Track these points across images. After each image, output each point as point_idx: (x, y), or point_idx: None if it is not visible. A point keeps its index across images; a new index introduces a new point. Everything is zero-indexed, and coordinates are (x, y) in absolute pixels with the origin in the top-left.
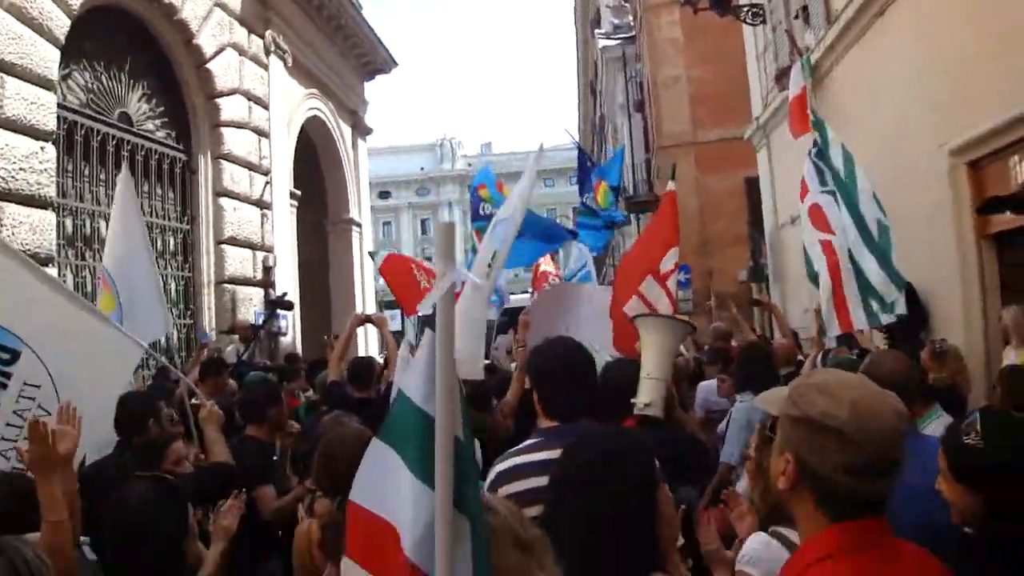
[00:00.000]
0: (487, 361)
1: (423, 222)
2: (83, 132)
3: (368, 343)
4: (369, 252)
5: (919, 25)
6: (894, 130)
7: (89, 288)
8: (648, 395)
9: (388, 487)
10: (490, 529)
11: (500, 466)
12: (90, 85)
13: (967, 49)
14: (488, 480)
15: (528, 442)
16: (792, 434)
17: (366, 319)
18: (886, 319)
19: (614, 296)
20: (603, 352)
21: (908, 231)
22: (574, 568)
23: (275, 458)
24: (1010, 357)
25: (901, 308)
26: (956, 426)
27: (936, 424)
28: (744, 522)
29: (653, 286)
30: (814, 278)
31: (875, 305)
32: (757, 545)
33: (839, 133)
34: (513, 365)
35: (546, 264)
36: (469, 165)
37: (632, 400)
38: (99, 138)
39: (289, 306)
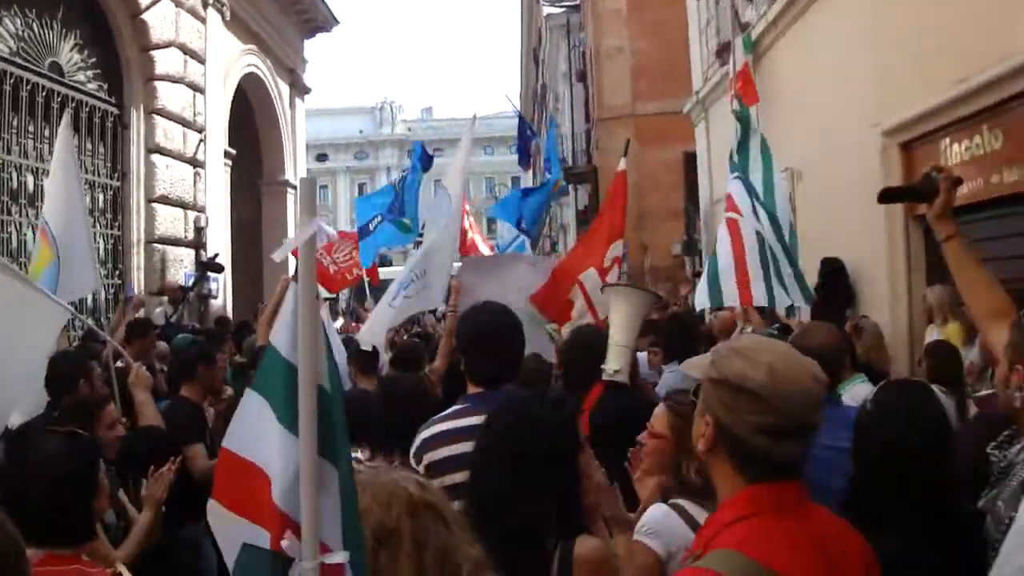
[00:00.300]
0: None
1: (360, 187)
2: (12, 81)
3: None
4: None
5: (859, 5)
6: (831, 108)
7: (15, 243)
8: (617, 362)
9: (260, 435)
10: (396, 495)
11: (425, 432)
12: (20, 33)
13: (903, 31)
14: (414, 446)
15: (454, 408)
16: (711, 396)
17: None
18: (781, 303)
19: (561, 271)
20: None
21: (840, 208)
22: (499, 532)
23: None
24: (933, 334)
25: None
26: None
27: (858, 388)
28: (644, 485)
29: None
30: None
31: (777, 291)
32: (658, 516)
33: (779, 110)
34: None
35: (474, 232)
36: (409, 129)
37: (601, 367)
38: (28, 88)
39: (219, 268)
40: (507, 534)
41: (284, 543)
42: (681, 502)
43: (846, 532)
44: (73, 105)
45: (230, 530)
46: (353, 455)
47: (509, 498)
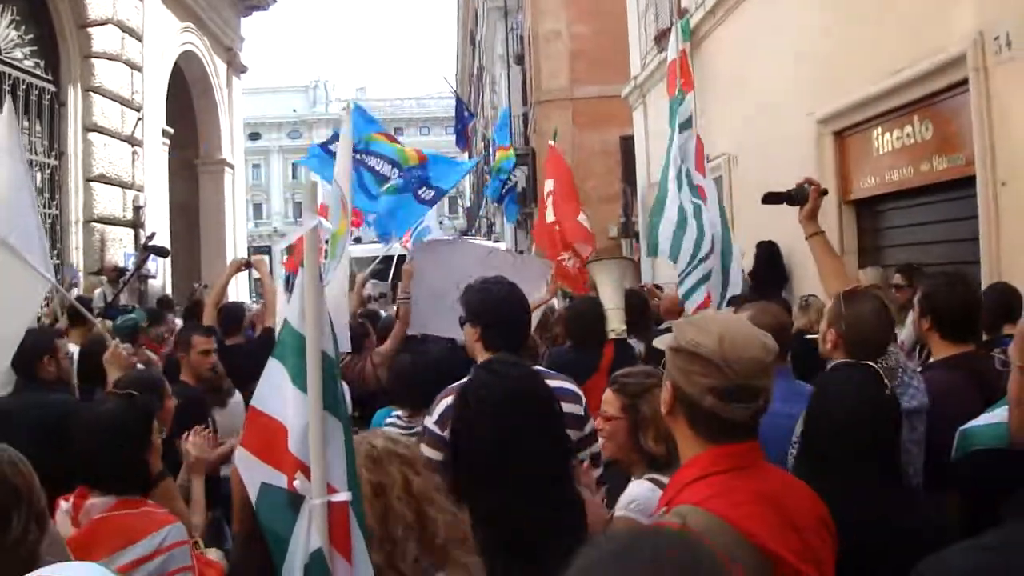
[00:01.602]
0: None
1: (294, 166)
2: None
3: (239, 289)
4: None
5: None
6: (767, 96)
7: None
8: (617, 322)
9: (279, 395)
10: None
11: (447, 399)
12: None
13: (840, 21)
14: (437, 413)
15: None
16: (671, 363)
17: (246, 264)
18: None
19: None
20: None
21: None
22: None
23: None
24: None
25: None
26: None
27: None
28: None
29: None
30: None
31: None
32: (642, 491)
33: (715, 96)
34: (387, 314)
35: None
36: (343, 109)
37: (610, 328)
38: None
39: (165, 252)
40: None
41: (296, 483)
42: (660, 477)
43: (799, 489)
44: (10, 83)
45: (254, 472)
46: (395, 413)
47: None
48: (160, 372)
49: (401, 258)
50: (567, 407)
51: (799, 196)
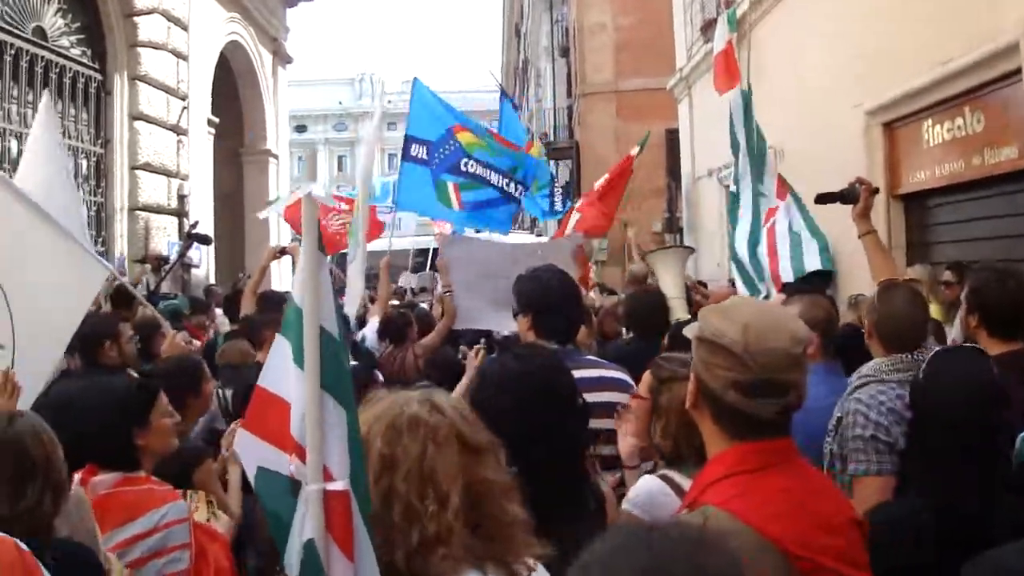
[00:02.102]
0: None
1: (340, 159)
2: None
3: (282, 277)
4: (268, 201)
5: None
6: (815, 88)
7: None
8: (682, 312)
9: (284, 373)
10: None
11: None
12: None
13: (889, 11)
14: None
15: None
16: (695, 354)
17: (281, 251)
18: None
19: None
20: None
21: (822, 186)
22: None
23: None
24: None
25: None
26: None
27: None
28: (626, 441)
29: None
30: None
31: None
32: (649, 487)
33: (761, 88)
34: (433, 307)
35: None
36: (389, 102)
37: (675, 318)
38: (12, 52)
39: (208, 240)
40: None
41: (291, 467)
42: (670, 473)
43: (829, 489)
44: (57, 70)
45: (252, 455)
46: None
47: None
48: (199, 357)
49: (436, 251)
50: (616, 396)
51: (851, 195)
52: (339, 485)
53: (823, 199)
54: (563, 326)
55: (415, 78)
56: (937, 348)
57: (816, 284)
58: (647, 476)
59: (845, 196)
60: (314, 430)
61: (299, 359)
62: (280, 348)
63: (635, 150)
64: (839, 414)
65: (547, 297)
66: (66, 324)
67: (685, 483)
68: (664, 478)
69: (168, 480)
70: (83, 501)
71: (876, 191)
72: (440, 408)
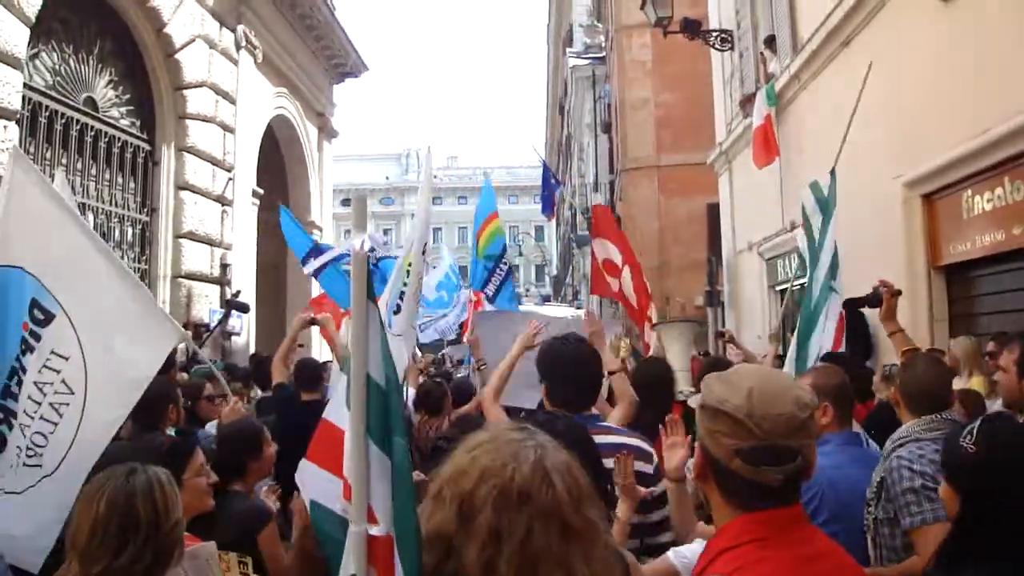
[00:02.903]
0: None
1: (386, 231)
2: (47, 114)
3: (321, 345)
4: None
5: (881, 57)
6: (853, 159)
7: None
8: (685, 383)
9: (343, 408)
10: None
11: None
12: (57, 67)
13: (925, 82)
14: None
15: None
16: (699, 423)
17: (311, 321)
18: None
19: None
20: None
21: (862, 260)
22: None
23: None
24: (957, 386)
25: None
26: (957, 433)
27: None
28: (675, 453)
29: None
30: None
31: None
32: (695, 547)
33: (801, 160)
34: (472, 379)
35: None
36: (435, 177)
37: (679, 391)
38: (63, 121)
39: (245, 308)
40: None
41: (339, 506)
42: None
43: (838, 560)
44: (106, 140)
45: (312, 487)
46: None
47: None
48: (260, 422)
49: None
50: (637, 466)
51: (875, 299)
52: (381, 530)
53: (851, 304)
54: (571, 395)
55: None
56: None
57: (854, 356)
58: (701, 541)
59: (871, 300)
60: (358, 475)
61: (348, 402)
62: (342, 385)
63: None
64: (879, 477)
65: (556, 366)
66: (135, 384)
67: None
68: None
69: (231, 541)
70: (212, 557)
71: (898, 293)
72: (550, 479)
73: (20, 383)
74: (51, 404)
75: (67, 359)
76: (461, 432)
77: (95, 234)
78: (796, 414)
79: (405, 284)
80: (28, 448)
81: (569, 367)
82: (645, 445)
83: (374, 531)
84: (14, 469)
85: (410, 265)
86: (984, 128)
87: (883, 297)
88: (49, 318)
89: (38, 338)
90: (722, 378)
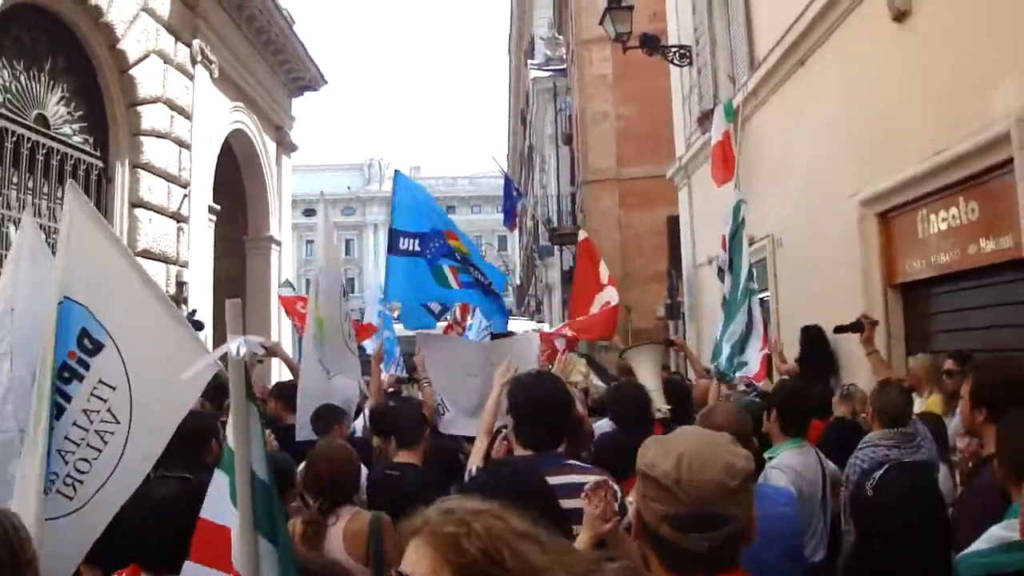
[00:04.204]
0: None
1: (348, 242)
2: None
3: (281, 368)
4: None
5: (838, 76)
6: (809, 177)
7: None
8: (660, 402)
9: (225, 504)
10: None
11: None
12: (7, 84)
13: (882, 101)
14: None
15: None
16: (636, 486)
17: (268, 351)
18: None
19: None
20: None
21: (820, 277)
22: None
23: None
24: (915, 404)
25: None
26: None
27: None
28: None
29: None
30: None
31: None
32: None
33: (758, 177)
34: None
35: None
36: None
37: (656, 409)
38: (13, 140)
39: (200, 326)
40: None
41: None
42: None
43: None
44: (58, 157)
45: None
46: None
47: None
48: (290, 460)
49: None
50: None
51: (858, 326)
52: None
53: (840, 330)
54: (539, 438)
55: (396, 171)
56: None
57: (822, 368)
58: None
59: (854, 327)
60: (249, 567)
61: (234, 497)
62: (218, 481)
63: (581, 235)
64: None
65: (525, 406)
66: (176, 416)
67: None
68: None
69: None
70: None
71: (876, 323)
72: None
73: (61, 411)
74: (97, 432)
75: (114, 389)
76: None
77: (139, 263)
78: (725, 482)
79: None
80: (67, 476)
81: (538, 409)
82: (611, 482)
83: None
84: (48, 495)
85: (321, 319)
86: (939, 148)
87: (865, 325)
88: (98, 347)
89: (87, 367)
90: (658, 441)
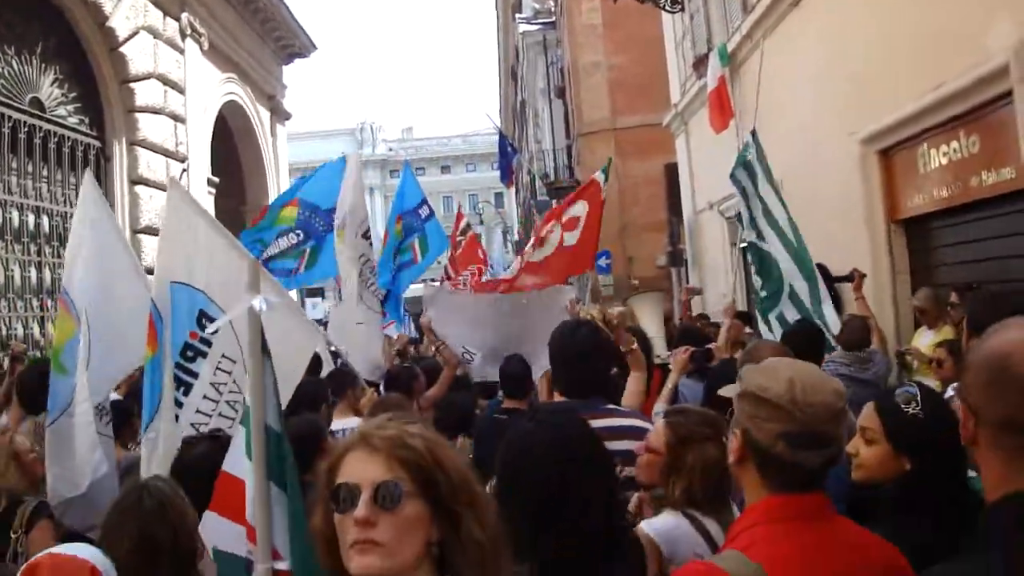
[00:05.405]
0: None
1: None
2: None
3: None
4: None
5: (833, 14)
6: (808, 118)
7: (1, 279)
8: (661, 348)
9: (242, 459)
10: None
11: None
12: (1, 70)
13: (878, 39)
14: None
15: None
16: (740, 410)
17: None
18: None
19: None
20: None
21: (822, 216)
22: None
23: None
24: (924, 337)
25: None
26: (891, 395)
27: None
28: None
29: None
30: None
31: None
32: (667, 519)
33: (756, 120)
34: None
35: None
36: (390, 150)
37: (656, 355)
38: (10, 124)
39: None
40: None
41: (244, 549)
42: (695, 512)
43: (864, 543)
44: (55, 140)
45: (215, 536)
46: None
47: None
48: (322, 423)
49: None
50: (634, 444)
51: (851, 277)
52: (283, 565)
53: (838, 280)
54: (575, 384)
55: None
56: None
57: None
58: (669, 511)
59: (848, 278)
60: (262, 517)
61: (249, 452)
62: (239, 438)
63: (599, 176)
64: None
65: (562, 356)
66: (290, 383)
67: (707, 521)
68: (686, 515)
69: None
70: None
71: (864, 275)
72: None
73: (189, 388)
74: (227, 402)
75: (235, 362)
76: (450, 418)
77: (244, 248)
78: (834, 403)
79: (362, 267)
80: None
81: (574, 359)
82: (642, 423)
83: (279, 566)
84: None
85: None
86: (938, 83)
87: (856, 276)
88: (216, 328)
89: (209, 344)
90: (760, 369)
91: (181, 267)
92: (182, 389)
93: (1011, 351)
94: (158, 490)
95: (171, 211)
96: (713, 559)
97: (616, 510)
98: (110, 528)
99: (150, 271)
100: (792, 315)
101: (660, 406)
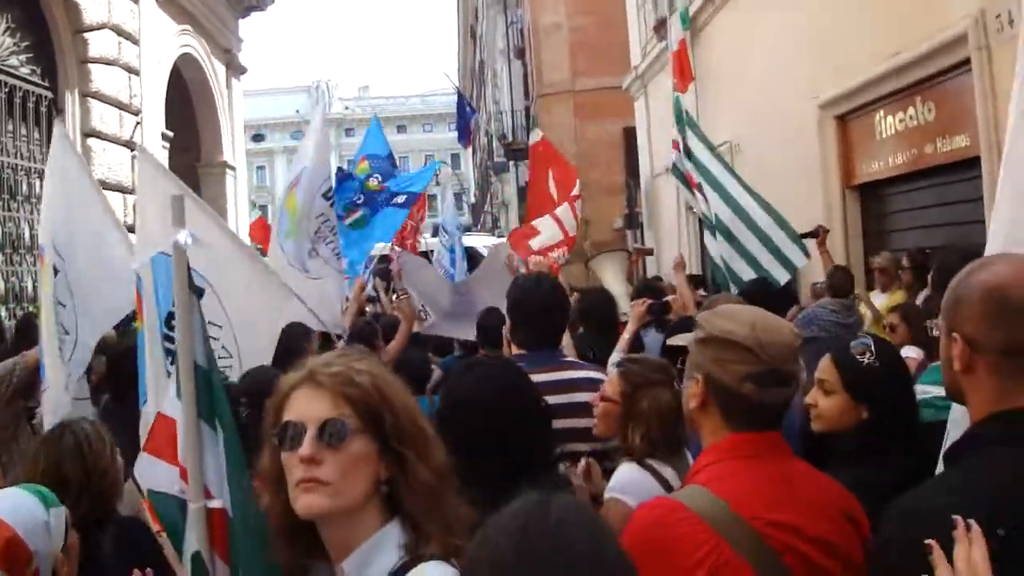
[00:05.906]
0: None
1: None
2: None
3: None
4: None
5: None
6: (767, 83)
7: None
8: (626, 306)
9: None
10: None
11: None
12: None
13: (837, 5)
14: None
15: None
16: (701, 355)
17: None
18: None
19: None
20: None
21: (779, 180)
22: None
23: None
24: (877, 299)
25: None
26: (846, 348)
27: None
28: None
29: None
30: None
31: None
32: (629, 473)
33: (716, 84)
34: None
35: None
36: (346, 108)
37: (621, 312)
38: None
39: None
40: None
41: (177, 487)
42: (650, 461)
43: (821, 483)
44: (6, 90)
45: (149, 478)
46: None
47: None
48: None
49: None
50: (586, 396)
51: (816, 233)
52: (217, 503)
53: (803, 236)
54: (537, 336)
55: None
56: None
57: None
58: (627, 464)
59: (813, 234)
60: (193, 455)
61: (178, 391)
62: (173, 379)
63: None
64: None
65: (521, 308)
66: (271, 345)
67: (664, 470)
68: (643, 464)
69: None
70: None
71: (827, 231)
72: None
73: (172, 355)
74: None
75: (220, 327)
76: (406, 374)
77: (217, 216)
78: (793, 342)
79: (321, 226)
80: None
81: (538, 312)
82: (598, 375)
83: (212, 504)
84: None
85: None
86: (896, 51)
87: (820, 232)
88: (199, 293)
89: None
90: (719, 314)
91: (160, 235)
92: (170, 358)
93: (1007, 283)
94: (81, 429)
95: (144, 182)
96: (679, 495)
97: (549, 465)
98: (29, 457)
99: None
100: (748, 273)
101: (616, 356)
